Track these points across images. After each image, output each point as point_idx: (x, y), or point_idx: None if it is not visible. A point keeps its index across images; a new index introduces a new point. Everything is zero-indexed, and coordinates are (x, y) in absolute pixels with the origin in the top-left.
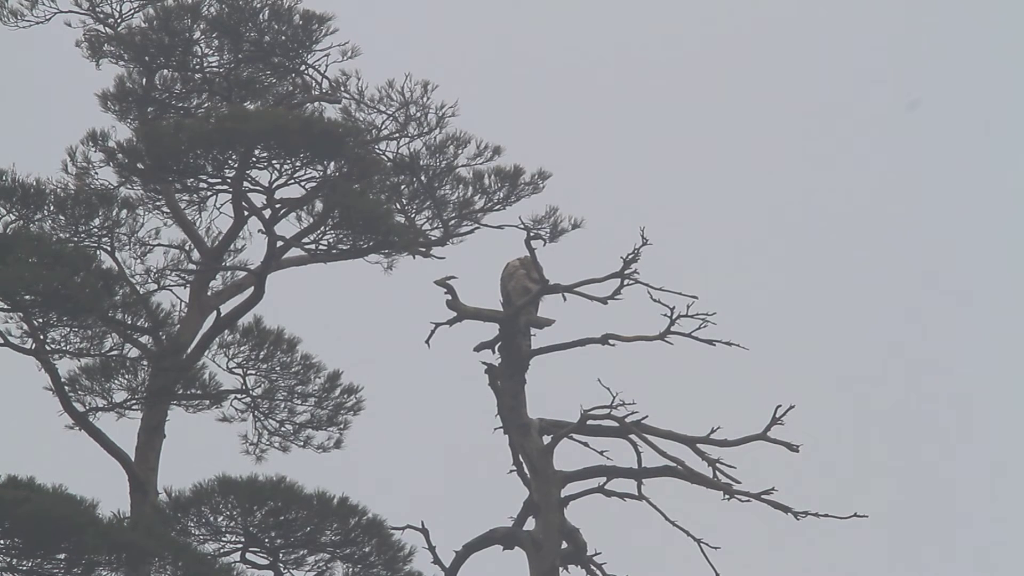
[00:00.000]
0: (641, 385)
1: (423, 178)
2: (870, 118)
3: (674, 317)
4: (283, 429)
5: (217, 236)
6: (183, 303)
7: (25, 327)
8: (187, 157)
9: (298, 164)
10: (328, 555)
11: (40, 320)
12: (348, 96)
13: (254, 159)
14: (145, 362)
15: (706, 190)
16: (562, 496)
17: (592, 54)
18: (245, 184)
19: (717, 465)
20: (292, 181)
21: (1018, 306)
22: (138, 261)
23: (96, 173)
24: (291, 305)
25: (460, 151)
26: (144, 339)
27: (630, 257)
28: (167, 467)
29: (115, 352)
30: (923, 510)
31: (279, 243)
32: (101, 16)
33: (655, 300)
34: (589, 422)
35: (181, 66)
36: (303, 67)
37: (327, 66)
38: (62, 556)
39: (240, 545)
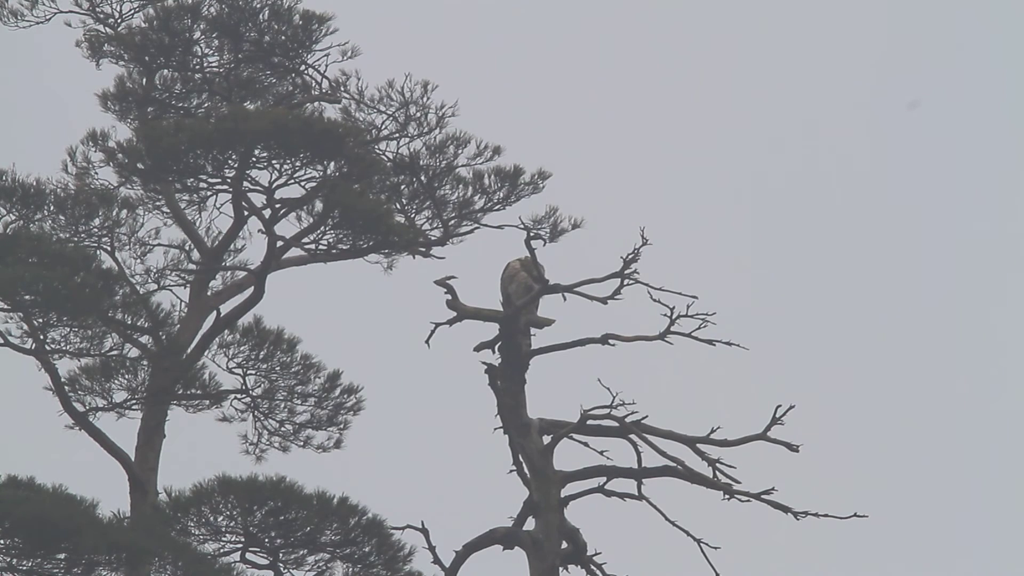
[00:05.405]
0: (641, 385)
1: (423, 178)
2: (870, 118)
3: (674, 317)
4: (283, 429)
5: (217, 236)
6: (183, 303)
7: (25, 327)
8: (187, 157)
9: (298, 164)
10: (328, 555)
11: (40, 320)
12: (348, 96)
13: (254, 159)
14: (145, 362)
15: (706, 190)
16: (562, 496)
17: (592, 54)
18: (245, 184)
19: (717, 465)
20: (292, 181)
21: (1018, 305)
22: (138, 261)
23: (96, 173)
24: (291, 305)
25: (460, 151)
26: (144, 339)
27: (630, 257)
28: (167, 467)
29: (115, 352)
30: (923, 510)
31: (279, 243)
32: (101, 16)
33: (655, 300)
34: (589, 422)
35: (181, 66)
36: (303, 67)
37: (327, 66)
38: (62, 556)
39: (240, 545)
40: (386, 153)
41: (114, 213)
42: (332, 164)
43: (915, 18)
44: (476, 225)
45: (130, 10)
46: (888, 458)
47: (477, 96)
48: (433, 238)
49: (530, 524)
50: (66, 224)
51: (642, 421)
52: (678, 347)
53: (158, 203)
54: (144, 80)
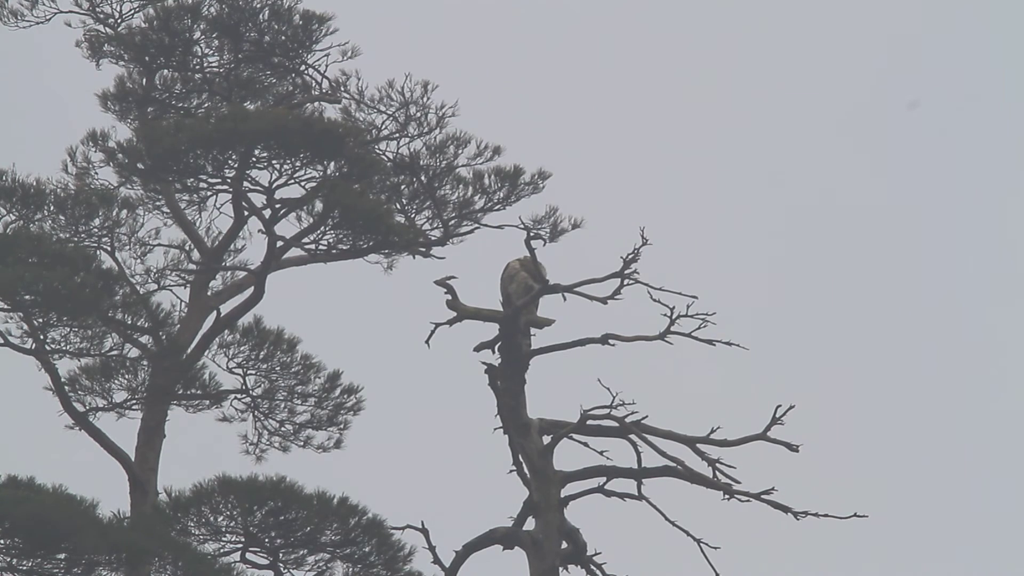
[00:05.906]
0: (641, 385)
1: (423, 178)
2: (870, 118)
3: (674, 317)
4: (283, 429)
5: (217, 236)
6: (183, 303)
7: (25, 327)
8: (187, 157)
9: (298, 164)
10: (328, 555)
11: (40, 320)
12: (348, 96)
13: (254, 159)
14: (145, 362)
15: (706, 190)
16: (562, 496)
17: (592, 53)
18: (245, 184)
19: (717, 465)
20: (292, 181)
21: (1018, 305)
22: (138, 261)
23: (96, 173)
24: (291, 305)
25: (460, 151)
26: (144, 339)
27: (630, 257)
28: (167, 467)
29: (115, 352)
30: (923, 510)
31: (279, 243)
32: (101, 16)
33: (655, 300)
34: (589, 422)
35: (181, 66)
36: (303, 67)
37: (327, 66)
38: (62, 556)
39: (240, 545)
40: (386, 153)
41: (114, 213)
42: (332, 164)
43: (915, 18)
44: (476, 225)
45: (130, 10)
46: (888, 458)
47: (477, 96)
48: (433, 238)
49: (530, 524)
50: (66, 224)
51: (642, 421)
52: (678, 347)
53: (158, 203)
54: (144, 80)
